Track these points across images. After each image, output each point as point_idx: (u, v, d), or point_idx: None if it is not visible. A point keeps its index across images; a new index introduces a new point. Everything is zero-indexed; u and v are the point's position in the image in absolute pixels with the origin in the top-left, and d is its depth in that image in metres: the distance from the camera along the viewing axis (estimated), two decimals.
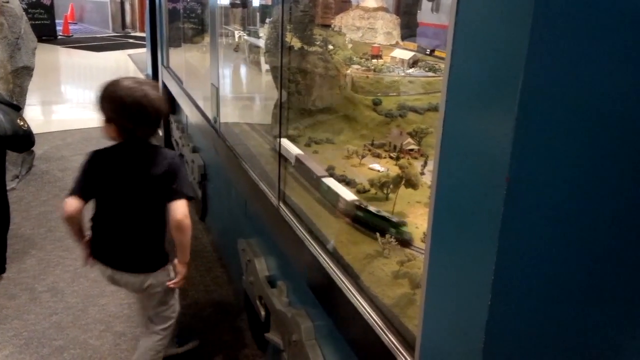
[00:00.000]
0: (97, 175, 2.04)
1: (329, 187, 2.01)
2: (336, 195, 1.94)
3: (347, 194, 1.92)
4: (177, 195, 2.01)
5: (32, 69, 4.68)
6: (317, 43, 2.70)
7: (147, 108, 1.96)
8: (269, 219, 2.19)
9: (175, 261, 2.18)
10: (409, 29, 2.91)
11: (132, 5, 17.07)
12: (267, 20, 3.11)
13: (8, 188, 3.25)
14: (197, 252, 3.55)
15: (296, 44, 2.54)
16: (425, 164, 2.02)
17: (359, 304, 1.35)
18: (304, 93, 2.58)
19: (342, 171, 2.13)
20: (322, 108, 2.66)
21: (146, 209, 2.06)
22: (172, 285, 2.16)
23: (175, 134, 4.76)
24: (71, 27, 15.80)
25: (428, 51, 2.77)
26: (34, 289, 3.07)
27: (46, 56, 10.65)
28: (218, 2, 3.26)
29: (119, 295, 3.02)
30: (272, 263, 2.29)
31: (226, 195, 3.20)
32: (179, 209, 2.00)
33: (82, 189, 2.03)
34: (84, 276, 3.21)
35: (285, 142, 2.31)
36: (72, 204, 2.00)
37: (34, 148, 3.89)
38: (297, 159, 2.27)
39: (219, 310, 2.94)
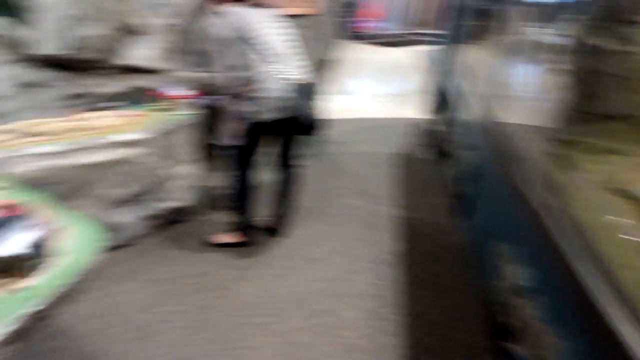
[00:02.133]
0: None
1: None
2: None
3: None
4: None
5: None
6: (626, 41, 2.39)
7: None
8: (531, 227, 2.06)
9: None
10: None
11: (426, 3, 17.62)
12: (562, 17, 2.88)
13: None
14: (449, 250, 3.56)
15: (596, 42, 2.30)
16: None
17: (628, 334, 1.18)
18: (597, 96, 2.32)
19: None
20: (617, 114, 2.36)
21: None
22: None
23: (447, 131, 4.79)
24: (368, 24, 17.13)
25: None
26: (305, 256, 3.45)
27: (345, 51, 11.77)
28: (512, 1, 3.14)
29: (372, 274, 3.21)
30: (527, 273, 2.15)
31: (492, 196, 3.10)
32: None
33: None
34: (347, 253, 3.49)
35: None
36: None
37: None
38: None
39: (464, 309, 2.90)
